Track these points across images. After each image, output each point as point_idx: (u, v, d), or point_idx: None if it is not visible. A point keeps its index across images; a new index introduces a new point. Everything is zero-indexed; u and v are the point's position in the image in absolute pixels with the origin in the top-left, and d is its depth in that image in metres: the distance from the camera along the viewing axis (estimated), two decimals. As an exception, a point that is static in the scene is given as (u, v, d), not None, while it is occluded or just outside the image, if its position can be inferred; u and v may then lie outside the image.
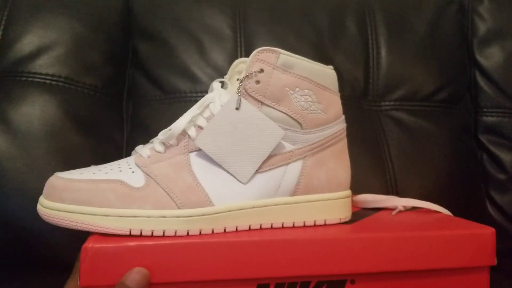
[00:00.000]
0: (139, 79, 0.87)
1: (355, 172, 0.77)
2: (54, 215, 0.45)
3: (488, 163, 0.93)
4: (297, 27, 0.88)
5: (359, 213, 0.59)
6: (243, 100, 0.49)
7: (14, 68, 0.77)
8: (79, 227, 0.45)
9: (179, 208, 0.46)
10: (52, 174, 0.64)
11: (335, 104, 0.53)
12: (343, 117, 0.54)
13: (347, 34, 0.90)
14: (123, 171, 0.48)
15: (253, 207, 0.49)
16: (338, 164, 0.52)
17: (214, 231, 0.47)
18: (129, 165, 0.49)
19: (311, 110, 0.51)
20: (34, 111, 0.75)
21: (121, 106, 0.86)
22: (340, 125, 0.53)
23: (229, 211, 0.47)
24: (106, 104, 0.82)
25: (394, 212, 0.59)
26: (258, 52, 0.49)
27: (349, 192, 0.54)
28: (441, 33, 0.93)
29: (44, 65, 0.78)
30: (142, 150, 0.50)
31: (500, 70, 0.94)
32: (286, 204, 0.50)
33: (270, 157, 0.49)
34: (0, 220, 0.70)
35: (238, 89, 0.50)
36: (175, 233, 0.46)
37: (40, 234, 0.71)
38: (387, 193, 0.81)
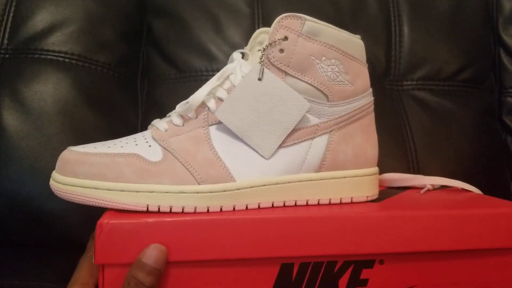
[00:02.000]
0: (154, 57, 0.84)
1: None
2: (67, 190, 0.43)
3: (513, 145, 0.90)
4: (316, 3, 0.85)
5: (386, 192, 0.57)
6: (265, 70, 0.46)
7: (27, 45, 0.76)
8: (93, 203, 0.43)
9: (199, 184, 0.44)
10: None
11: (363, 75, 0.50)
12: (370, 89, 0.51)
13: (368, 11, 0.87)
14: (139, 145, 0.46)
15: (277, 184, 0.46)
16: (366, 139, 0.50)
17: (236, 208, 0.45)
18: (145, 138, 0.47)
19: (338, 81, 0.48)
20: (47, 89, 0.73)
21: (135, 85, 0.84)
22: (368, 98, 0.51)
23: (251, 187, 0.45)
24: (120, 82, 0.80)
25: (422, 191, 0.56)
26: (282, 18, 0.46)
27: (376, 169, 0.52)
28: (465, 10, 0.90)
29: (56, 42, 0.76)
30: (159, 124, 0.48)
31: (525, 49, 0.91)
32: (310, 180, 0.48)
33: (294, 131, 0.47)
34: (14, 199, 0.69)
35: (261, 59, 0.47)
36: (195, 209, 0.43)
37: (54, 213, 0.69)
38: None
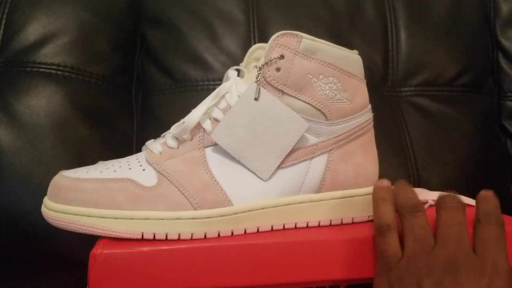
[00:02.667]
0: (149, 68, 0.83)
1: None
2: (59, 217, 0.43)
3: (513, 150, 0.89)
4: (312, 10, 0.84)
5: None
6: (262, 89, 0.45)
7: (19, 58, 0.74)
8: (86, 231, 0.42)
9: (195, 209, 0.43)
10: (60, 167, 0.62)
11: (362, 92, 0.49)
12: (369, 106, 0.51)
13: (365, 17, 0.85)
14: (132, 169, 0.45)
15: (276, 206, 0.45)
16: (366, 157, 0.49)
17: (234, 233, 0.44)
18: (139, 161, 0.46)
19: (336, 99, 0.47)
20: (40, 103, 0.72)
21: (130, 96, 0.83)
22: (367, 115, 0.50)
23: (250, 210, 0.44)
24: (114, 94, 0.79)
25: (426, 206, 0.55)
26: (278, 36, 0.45)
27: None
28: (463, 14, 0.89)
29: (49, 54, 0.75)
30: (153, 146, 0.47)
31: (524, 52, 0.90)
32: (311, 201, 0.47)
33: (292, 151, 0.46)
34: (7, 215, 0.68)
35: (257, 78, 0.46)
36: (191, 236, 0.42)
37: (48, 229, 0.67)
38: (408, 182, 0.78)
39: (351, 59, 0.48)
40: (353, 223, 0.48)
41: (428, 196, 0.57)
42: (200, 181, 0.44)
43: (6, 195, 0.67)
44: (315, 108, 0.47)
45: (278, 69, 0.45)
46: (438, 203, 0.44)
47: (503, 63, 0.92)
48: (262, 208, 0.45)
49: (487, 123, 0.87)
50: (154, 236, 0.42)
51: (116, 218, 0.42)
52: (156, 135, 0.79)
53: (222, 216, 0.43)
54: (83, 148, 0.72)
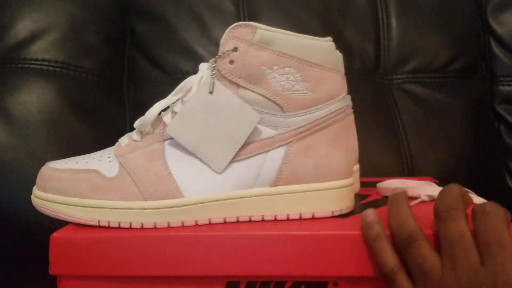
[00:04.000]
0: (139, 61, 0.83)
1: (368, 149, 0.74)
2: (40, 204, 0.47)
3: (506, 134, 0.89)
4: (302, -1, 0.84)
5: (374, 203, 0.53)
6: (217, 82, 0.45)
7: (9, 55, 0.74)
8: (59, 217, 0.46)
9: (146, 200, 0.45)
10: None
11: (328, 81, 0.46)
12: (342, 95, 0.48)
13: (356, 5, 0.85)
14: (101, 161, 0.47)
15: (228, 199, 0.45)
16: (332, 150, 0.46)
17: (185, 224, 0.45)
18: (109, 154, 0.48)
19: (294, 90, 0.45)
20: (32, 99, 0.72)
21: (122, 90, 0.83)
22: (335, 105, 0.47)
23: (201, 203, 0.45)
24: (105, 88, 0.79)
25: (413, 203, 0.50)
26: (232, 28, 0.45)
27: (347, 181, 0.47)
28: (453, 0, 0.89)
29: (39, 50, 0.75)
30: (122, 139, 0.48)
31: (516, 36, 0.90)
32: (265, 195, 0.46)
33: (247, 144, 0.45)
34: (2, 213, 0.68)
35: (212, 71, 0.45)
36: (142, 225, 0.44)
37: (43, 226, 0.68)
38: (402, 169, 0.78)
39: (314, 47, 0.46)
40: (313, 218, 0.46)
41: (423, 190, 0.53)
42: (155, 173, 0.45)
43: (1, 192, 0.67)
44: (270, 100, 0.45)
45: (231, 62, 0.45)
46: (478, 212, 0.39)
47: (495, 47, 0.92)
48: (214, 201, 0.45)
49: (479, 108, 0.87)
50: (109, 224, 0.45)
51: (79, 206, 0.45)
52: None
53: (171, 207, 0.44)
54: (76, 143, 0.72)
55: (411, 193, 0.53)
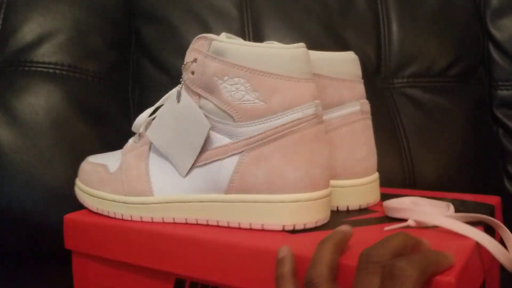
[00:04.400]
0: (144, 64, 0.84)
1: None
2: (76, 191, 0.58)
3: (505, 138, 0.91)
4: (305, 4, 0.85)
5: (363, 222, 0.49)
6: (183, 92, 0.49)
7: (16, 57, 0.75)
8: (81, 202, 0.57)
9: (125, 195, 0.51)
10: (60, 165, 0.69)
11: (283, 91, 0.45)
12: (306, 105, 0.45)
13: (357, 10, 0.87)
14: (114, 157, 0.55)
15: (189, 202, 0.48)
16: (287, 161, 0.44)
17: (153, 220, 0.50)
18: (120, 152, 0.56)
19: (245, 100, 0.45)
20: (39, 101, 0.73)
21: (127, 93, 0.84)
22: (294, 115, 0.45)
23: (167, 202, 0.49)
24: (111, 91, 0.80)
25: (387, 228, 0.44)
26: (194, 40, 0.48)
27: (303, 195, 0.45)
28: (453, 5, 0.90)
29: (46, 53, 0.76)
30: (130, 140, 0.55)
31: (514, 41, 0.91)
32: (217, 201, 0.47)
33: (206, 150, 0.47)
34: (10, 214, 0.69)
35: (181, 81, 0.49)
36: (122, 216, 0.52)
37: (51, 226, 0.69)
38: (402, 172, 0.79)
39: (268, 56, 0.45)
40: (263, 229, 0.46)
41: (411, 214, 0.46)
42: (137, 172, 0.51)
43: (8, 194, 0.68)
44: (221, 109, 0.46)
45: (192, 72, 0.47)
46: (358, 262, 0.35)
47: (494, 52, 0.93)
48: (177, 202, 0.49)
49: (479, 112, 0.88)
50: (103, 211, 0.54)
51: (88, 194, 0.55)
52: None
53: (142, 204, 0.50)
54: (82, 145, 0.73)
55: (406, 215, 0.47)
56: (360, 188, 0.53)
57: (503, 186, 0.88)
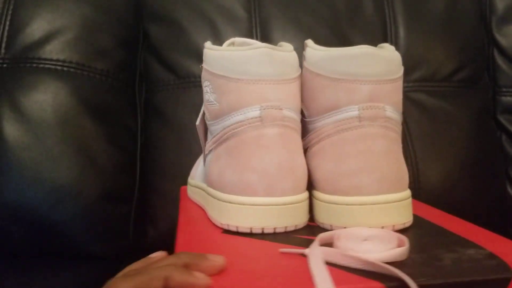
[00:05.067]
0: (152, 64, 0.84)
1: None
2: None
3: (508, 144, 0.91)
4: (313, 7, 0.85)
5: (292, 239, 0.44)
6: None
7: (24, 54, 0.75)
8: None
9: None
10: (67, 162, 0.69)
11: (231, 93, 0.45)
12: (250, 107, 0.45)
13: (364, 14, 0.87)
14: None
15: (198, 188, 0.57)
16: (228, 162, 0.45)
17: None
18: None
19: (210, 101, 0.47)
20: (47, 99, 0.73)
21: (134, 92, 0.84)
22: (238, 117, 0.45)
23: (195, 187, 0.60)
24: (118, 89, 0.80)
25: (282, 250, 0.39)
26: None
27: (235, 198, 0.45)
28: (459, 11, 0.91)
29: (54, 50, 0.76)
30: None
31: (519, 48, 0.92)
32: (203, 190, 0.54)
33: (206, 145, 0.51)
34: (16, 210, 0.69)
35: None
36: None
37: (57, 224, 0.69)
38: (408, 176, 0.80)
39: (221, 59, 0.45)
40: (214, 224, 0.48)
41: (337, 244, 0.37)
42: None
43: (15, 190, 0.68)
44: (204, 110, 0.50)
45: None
46: None
47: (498, 59, 0.94)
48: (198, 188, 0.57)
49: (483, 118, 0.89)
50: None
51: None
52: (159, 130, 0.81)
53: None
54: (89, 143, 0.73)
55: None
56: (336, 207, 0.45)
57: (506, 191, 0.88)
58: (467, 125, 0.86)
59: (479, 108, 0.89)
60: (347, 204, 0.44)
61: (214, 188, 0.47)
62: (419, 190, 0.79)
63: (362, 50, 0.44)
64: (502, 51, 0.93)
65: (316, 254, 0.34)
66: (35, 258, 0.71)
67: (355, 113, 0.44)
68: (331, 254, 0.35)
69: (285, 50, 0.46)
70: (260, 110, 0.44)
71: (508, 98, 0.92)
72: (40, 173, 0.69)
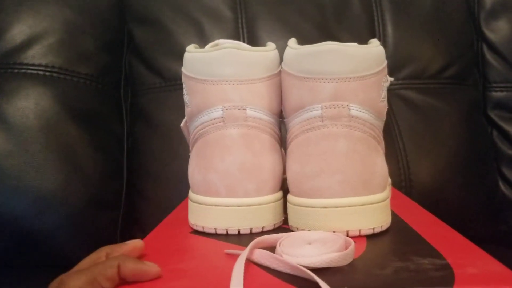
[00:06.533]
0: (137, 66, 0.83)
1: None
2: None
3: (499, 140, 0.91)
4: (300, 6, 0.84)
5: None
6: None
7: (5, 60, 0.74)
8: None
9: None
10: (51, 169, 0.66)
11: (197, 94, 0.45)
12: (213, 108, 0.45)
13: (352, 12, 0.86)
14: None
15: None
16: (195, 163, 0.46)
17: None
18: None
19: (185, 103, 0.47)
20: (29, 105, 0.71)
21: (119, 96, 0.83)
22: (202, 119, 0.45)
23: None
24: (103, 93, 0.79)
25: (227, 251, 0.38)
26: None
27: (199, 198, 0.45)
28: (447, 7, 0.90)
29: (36, 55, 0.75)
30: None
31: (508, 43, 0.91)
32: None
33: None
34: (0, 218, 0.67)
35: None
36: None
37: (42, 233, 0.68)
38: (398, 175, 0.79)
39: (192, 60, 0.46)
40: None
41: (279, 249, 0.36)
42: None
43: (-2, 199, 0.67)
44: None
45: None
46: None
47: (488, 54, 0.93)
48: None
49: (473, 114, 0.88)
50: None
51: None
52: (146, 134, 0.80)
53: None
54: (74, 148, 0.72)
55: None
56: (302, 210, 0.43)
57: (498, 188, 0.88)
58: (457, 121, 0.85)
59: (470, 104, 0.88)
60: (311, 207, 0.42)
61: (190, 188, 0.48)
62: (410, 189, 0.78)
63: (326, 47, 0.42)
64: (491, 47, 0.93)
65: (242, 256, 0.33)
66: (20, 269, 0.69)
67: (317, 112, 0.42)
68: (264, 257, 0.34)
69: (254, 50, 0.45)
70: (222, 110, 0.44)
71: (498, 94, 0.92)
72: (23, 181, 0.68)
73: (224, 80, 0.44)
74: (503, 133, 0.90)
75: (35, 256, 0.69)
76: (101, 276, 0.31)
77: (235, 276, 0.31)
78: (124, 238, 0.76)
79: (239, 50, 0.44)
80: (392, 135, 0.81)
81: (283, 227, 0.46)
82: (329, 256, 0.33)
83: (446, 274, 0.31)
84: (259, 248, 0.36)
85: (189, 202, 0.47)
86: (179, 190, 0.55)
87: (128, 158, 0.80)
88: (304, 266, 0.32)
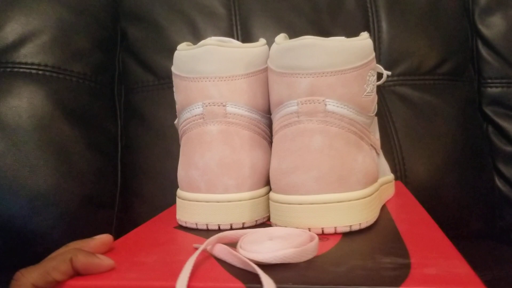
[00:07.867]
0: (130, 65, 0.82)
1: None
2: None
3: (494, 136, 0.91)
4: (294, 2, 0.84)
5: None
6: None
7: (-3, 58, 0.73)
8: None
9: None
10: (45, 169, 0.65)
11: (182, 91, 0.46)
12: (194, 105, 0.45)
13: (346, 9, 0.86)
14: None
15: None
16: (181, 159, 0.47)
17: None
18: None
19: (175, 100, 0.49)
20: (22, 104, 0.71)
21: (113, 94, 0.82)
22: (185, 115, 0.46)
23: None
24: (96, 92, 0.78)
25: (195, 245, 0.39)
26: None
27: (182, 193, 0.46)
28: (442, 3, 0.90)
29: (29, 54, 0.74)
30: None
31: (502, 39, 0.91)
32: None
33: None
34: (-7, 220, 0.66)
35: None
36: None
37: (37, 233, 0.67)
38: (394, 171, 0.79)
39: (178, 58, 0.47)
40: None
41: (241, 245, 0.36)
42: None
43: (-9, 198, 0.66)
44: None
45: None
46: None
47: (483, 50, 0.93)
48: None
49: (468, 110, 0.88)
50: None
51: None
52: (140, 132, 0.79)
53: None
54: (67, 148, 0.71)
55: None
56: (279, 206, 0.43)
57: (494, 184, 0.88)
58: (453, 118, 0.85)
59: (465, 100, 0.88)
60: (288, 203, 0.42)
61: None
62: (406, 185, 0.78)
63: (302, 41, 0.41)
64: (486, 42, 0.92)
65: (199, 249, 0.34)
66: (14, 269, 0.69)
67: (294, 108, 0.42)
68: (222, 252, 0.35)
69: (237, 46, 0.46)
70: (202, 107, 0.45)
71: (494, 90, 0.91)
72: (16, 181, 0.67)
73: (204, 77, 0.45)
74: (498, 129, 0.90)
75: (29, 257, 0.68)
76: (53, 270, 0.32)
77: (185, 268, 0.31)
78: (119, 236, 0.75)
79: (219, 47, 0.44)
80: (388, 131, 0.81)
81: (268, 223, 0.46)
82: (283, 252, 0.33)
83: (400, 274, 0.31)
84: (223, 243, 0.36)
85: (176, 198, 0.48)
86: (173, 188, 0.54)
87: (123, 156, 0.80)
88: (258, 262, 0.32)
